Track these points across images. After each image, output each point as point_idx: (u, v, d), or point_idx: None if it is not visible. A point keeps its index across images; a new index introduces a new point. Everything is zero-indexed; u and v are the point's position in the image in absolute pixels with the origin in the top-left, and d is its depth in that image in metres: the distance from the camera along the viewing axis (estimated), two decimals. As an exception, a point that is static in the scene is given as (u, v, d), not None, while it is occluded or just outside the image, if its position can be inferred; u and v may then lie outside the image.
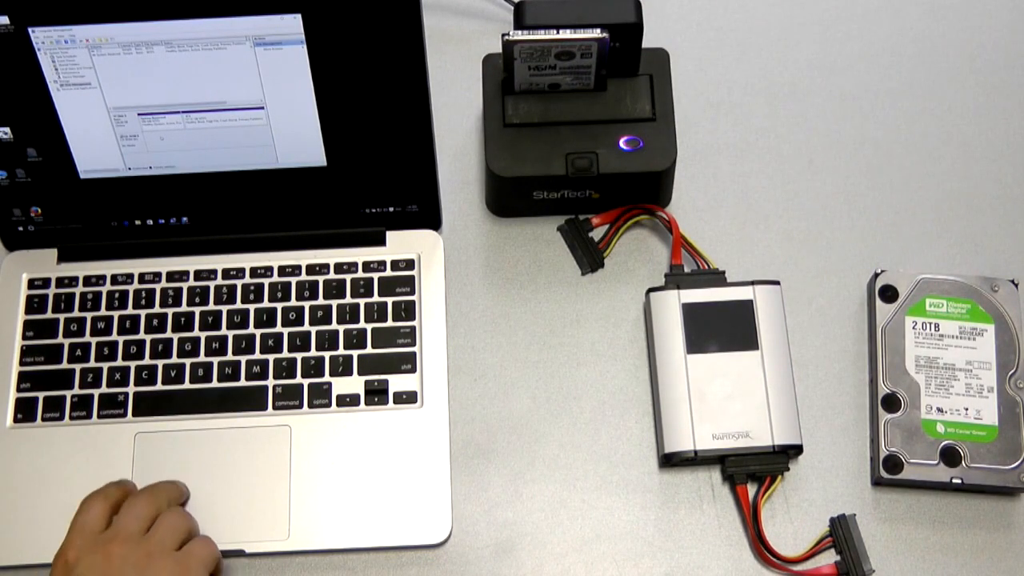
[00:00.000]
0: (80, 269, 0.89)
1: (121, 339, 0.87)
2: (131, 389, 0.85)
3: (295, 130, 0.83)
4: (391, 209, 0.89)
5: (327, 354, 0.86)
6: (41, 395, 0.85)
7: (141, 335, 0.87)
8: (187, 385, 0.85)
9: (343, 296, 0.87)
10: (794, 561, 0.81)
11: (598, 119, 0.87)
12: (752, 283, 0.85)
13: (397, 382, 0.85)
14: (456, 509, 0.83)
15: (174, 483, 0.81)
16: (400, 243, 0.89)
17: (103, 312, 0.87)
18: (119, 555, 0.73)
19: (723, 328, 0.83)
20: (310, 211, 0.88)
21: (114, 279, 0.88)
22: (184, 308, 0.87)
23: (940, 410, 0.82)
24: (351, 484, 0.82)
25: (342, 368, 0.85)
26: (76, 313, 0.87)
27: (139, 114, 0.82)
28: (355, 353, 0.86)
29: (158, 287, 0.88)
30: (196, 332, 0.87)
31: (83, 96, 0.81)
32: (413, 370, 0.85)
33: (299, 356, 0.86)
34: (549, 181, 0.87)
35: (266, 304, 0.87)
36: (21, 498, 0.82)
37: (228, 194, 0.87)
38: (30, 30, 0.77)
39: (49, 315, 0.88)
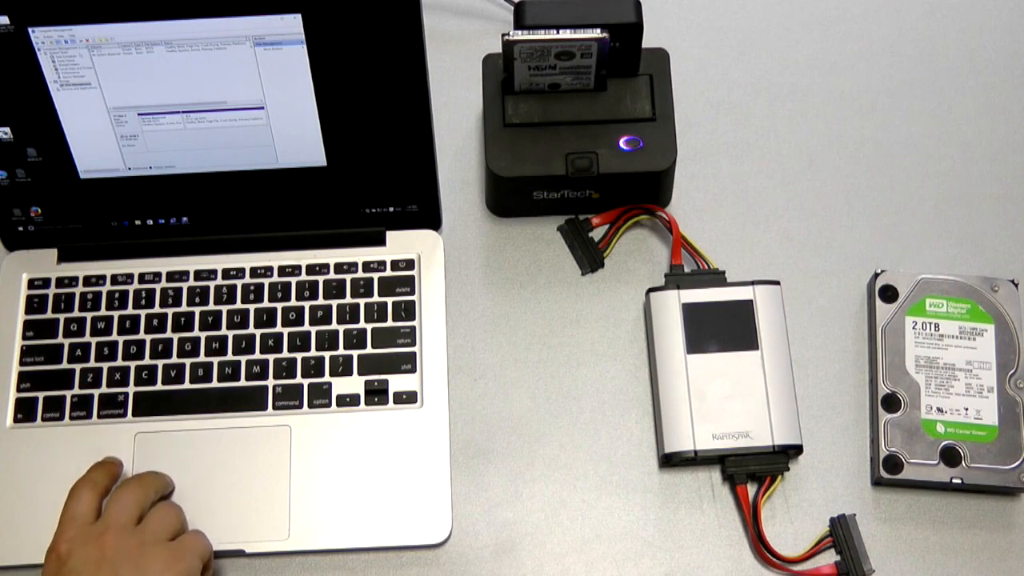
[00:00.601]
0: (80, 269, 0.89)
1: (121, 339, 0.87)
2: (131, 389, 0.85)
3: (295, 130, 0.83)
4: (391, 209, 0.89)
5: (327, 354, 0.86)
6: (41, 395, 0.85)
7: (141, 335, 0.87)
8: (187, 385, 0.85)
9: (343, 296, 0.87)
10: (794, 561, 0.81)
11: (598, 119, 0.87)
12: (752, 283, 0.85)
13: (397, 382, 0.85)
14: (456, 509, 0.83)
15: (159, 474, 0.81)
16: (400, 243, 0.89)
17: (103, 312, 0.87)
18: (112, 546, 0.72)
19: (723, 328, 0.83)
20: (310, 211, 0.88)
21: (114, 279, 0.88)
22: (184, 308, 0.87)
23: (940, 410, 0.82)
24: (351, 484, 0.82)
25: (342, 368, 0.85)
26: (76, 313, 0.87)
27: (139, 114, 0.82)
28: (355, 353, 0.86)
29: (158, 287, 0.88)
30: (196, 332, 0.87)
31: (83, 96, 0.81)
32: (413, 370, 0.85)
33: (299, 356, 0.86)
34: (549, 181, 0.87)
35: (266, 304, 0.87)
36: (21, 498, 0.82)
37: (228, 194, 0.87)
38: (30, 30, 0.77)
39: (49, 315, 0.88)
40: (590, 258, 0.90)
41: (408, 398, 0.84)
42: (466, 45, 0.98)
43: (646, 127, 0.87)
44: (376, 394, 0.84)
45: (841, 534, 0.81)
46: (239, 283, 0.88)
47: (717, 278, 0.87)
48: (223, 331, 0.87)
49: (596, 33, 0.82)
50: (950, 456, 0.81)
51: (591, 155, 0.86)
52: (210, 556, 0.77)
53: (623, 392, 0.86)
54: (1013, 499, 0.83)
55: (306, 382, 0.85)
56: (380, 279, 0.88)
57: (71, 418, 0.85)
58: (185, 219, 0.89)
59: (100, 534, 0.73)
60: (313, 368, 0.85)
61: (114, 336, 0.87)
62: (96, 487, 0.77)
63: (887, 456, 0.81)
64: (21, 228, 0.89)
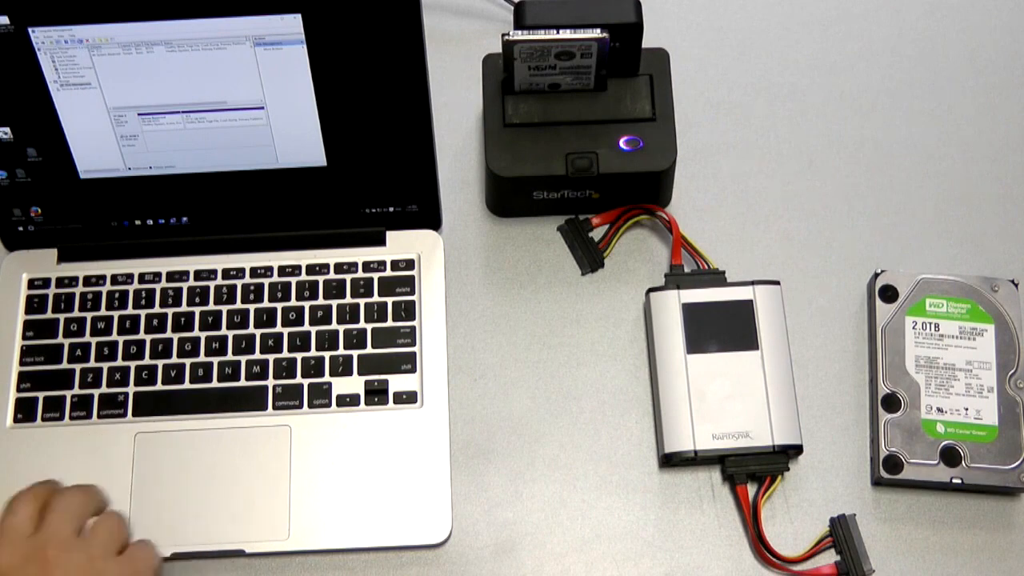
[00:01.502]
0: (80, 269, 0.89)
1: (121, 339, 0.87)
2: (131, 389, 0.85)
3: (295, 130, 0.83)
4: (391, 209, 0.89)
5: (327, 354, 0.86)
6: (41, 395, 0.85)
7: (141, 335, 0.87)
8: (187, 385, 0.85)
9: (343, 296, 0.87)
10: (794, 561, 0.81)
11: (598, 119, 0.87)
12: (752, 283, 0.85)
13: (397, 382, 0.85)
14: (456, 509, 0.83)
15: (100, 488, 0.78)
16: (400, 243, 0.89)
17: (103, 312, 0.87)
18: (58, 562, 0.68)
19: (723, 328, 0.83)
20: (310, 211, 0.88)
21: (114, 279, 0.88)
22: (184, 308, 0.87)
23: (940, 410, 0.82)
24: (351, 484, 0.82)
25: (342, 368, 0.85)
26: (76, 313, 0.87)
27: (139, 114, 0.82)
28: (355, 353, 0.86)
29: (158, 287, 0.88)
30: (196, 332, 0.87)
31: (83, 96, 0.81)
32: (413, 370, 0.85)
33: (299, 356, 0.86)
34: (549, 181, 0.87)
35: (266, 304, 0.87)
36: (21, 498, 0.82)
37: (228, 194, 0.87)
38: (30, 30, 0.77)
39: (49, 315, 0.88)
40: (590, 258, 0.90)
41: (408, 398, 0.84)
42: (466, 45, 0.98)
43: (646, 127, 0.87)
44: (376, 394, 0.84)
45: (841, 534, 0.81)
46: (239, 283, 0.88)
47: (717, 278, 0.87)
48: (223, 331, 0.87)
49: (596, 33, 0.82)
50: (950, 456, 0.81)
51: (591, 155, 0.86)
52: (160, 565, 0.75)
53: (623, 392, 0.86)
54: (1013, 499, 0.83)
55: (306, 382, 0.85)
56: (380, 279, 0.88)
57: (71, 418, 0.84)
58: (185, 219, 0.89)
59: (41, 548, 0.69)
60: (313, 368, 0.85)
61: (114, 336, 0.87)
62: (36, 498, 0.73)
63: (887, 456, 0.81)
64: (21, 228, 0.89)
